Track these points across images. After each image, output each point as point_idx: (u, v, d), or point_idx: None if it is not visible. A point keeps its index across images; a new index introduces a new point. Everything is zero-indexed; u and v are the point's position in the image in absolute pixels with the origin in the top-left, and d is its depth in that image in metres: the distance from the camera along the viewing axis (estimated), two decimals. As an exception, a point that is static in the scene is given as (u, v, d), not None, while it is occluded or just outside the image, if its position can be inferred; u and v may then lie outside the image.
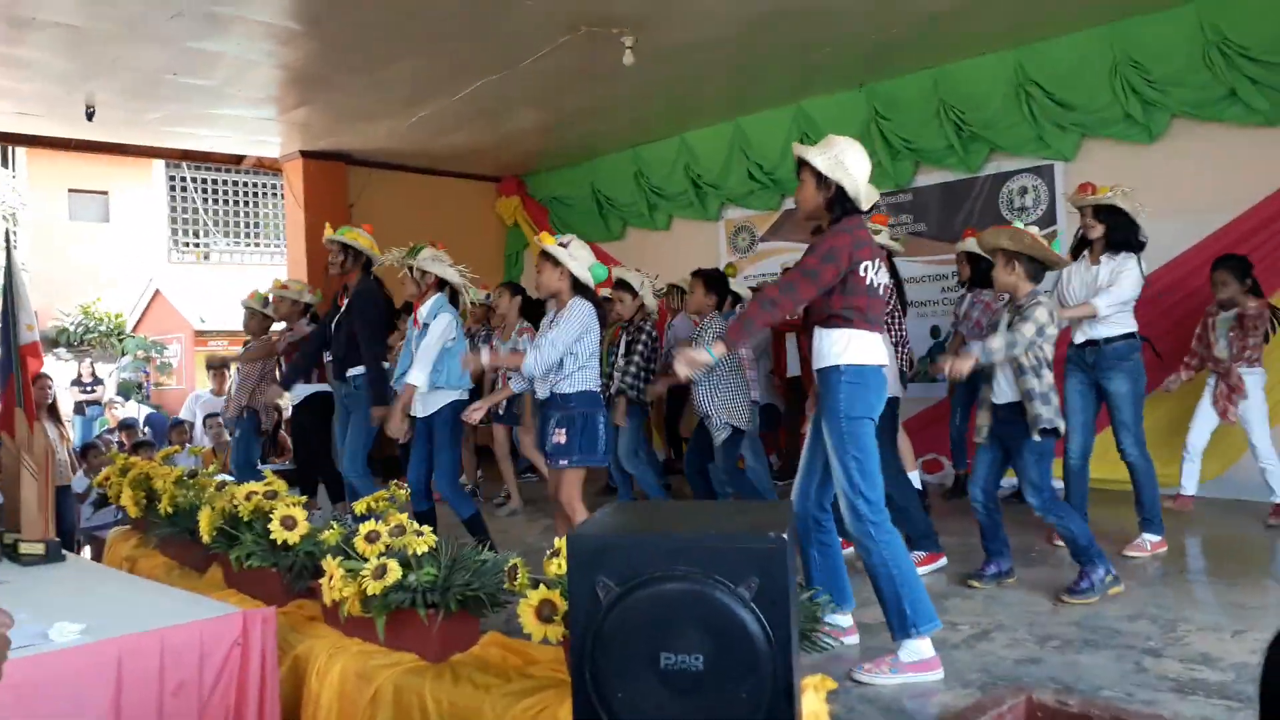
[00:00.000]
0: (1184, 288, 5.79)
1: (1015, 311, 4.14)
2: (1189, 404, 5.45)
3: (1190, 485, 5.40)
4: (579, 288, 4.33)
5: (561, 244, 4.32)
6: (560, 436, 4.24)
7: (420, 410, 5.02)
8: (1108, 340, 4.77)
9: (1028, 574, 4.51)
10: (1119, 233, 4.76)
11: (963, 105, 7.03)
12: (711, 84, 7.43)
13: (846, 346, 3.31)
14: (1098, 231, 4.81)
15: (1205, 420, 5.34)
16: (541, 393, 4.37)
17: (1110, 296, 4.68)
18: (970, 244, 5.96)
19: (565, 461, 4.25)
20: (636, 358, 6.06)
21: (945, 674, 3.25)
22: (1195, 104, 6.06)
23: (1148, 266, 5.85)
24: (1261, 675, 1.44)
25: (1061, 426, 4.09)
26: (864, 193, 3.34)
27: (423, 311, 5.05)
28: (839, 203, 3.34)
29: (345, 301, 5.52)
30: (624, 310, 6.18)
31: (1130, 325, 4.79)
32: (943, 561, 4.69)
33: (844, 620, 3.60)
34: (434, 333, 4.94)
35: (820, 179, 3.34)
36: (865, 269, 3.30)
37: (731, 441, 5.36)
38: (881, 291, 3.40)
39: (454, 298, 5.17)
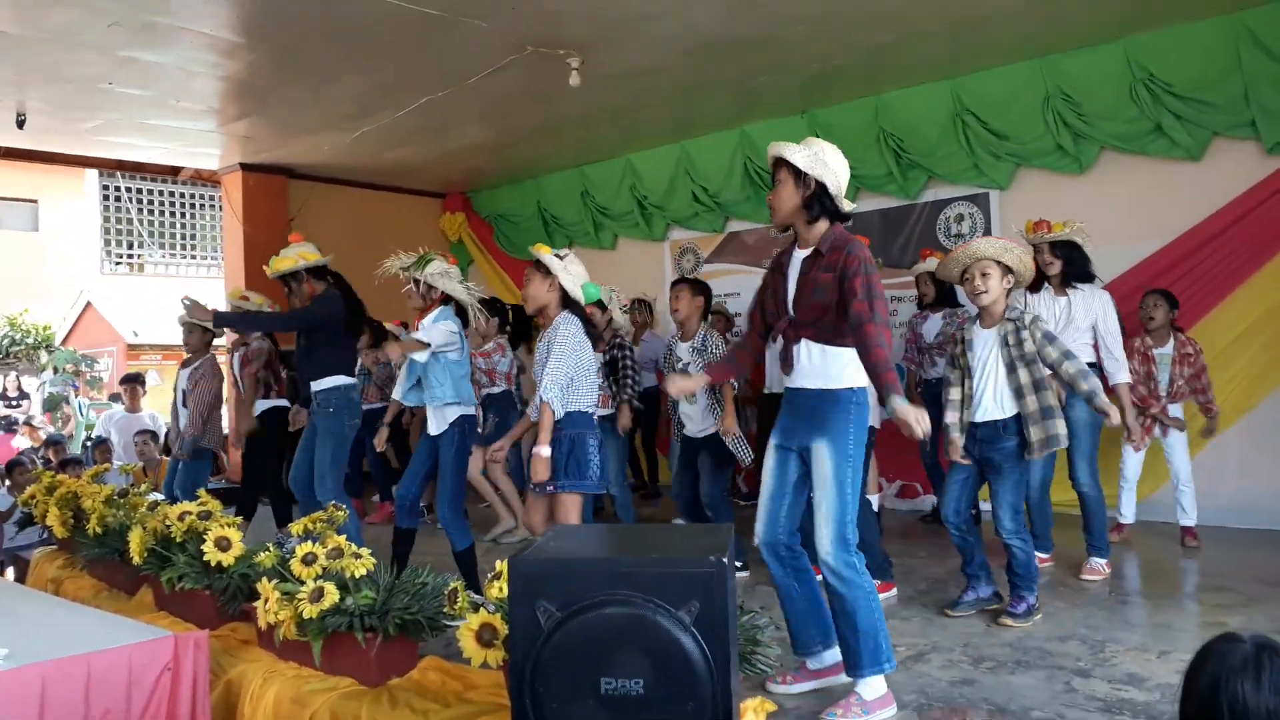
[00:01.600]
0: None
1: (1011, 325, 4.06)
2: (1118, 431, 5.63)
3: (1129, 513, 5.58)
4: (566, 303, 4.13)
5: (558, 255, 4.14)
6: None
7: (434, 428, 4.74)
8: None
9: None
10: (1075, 266, 4.91)
11: (902, 133, 7.18)
12: (657, 107, 7.49)
13: (854, 368, 3.16)
14: (1056, 267, 4.93)
15: (1176, 445, 5.51)
16: (533, 414, 4.11)
17: (1119, 357, 4.84)
18: (932, 264, 5.93)
19: (553, 487, 3.99)
20: (630, 372, 5.88)
21: (882, 695, 3.28)
22: (1123, 137, 6.27)
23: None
24: (1180, 700, 1.49)
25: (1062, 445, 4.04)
26: (844, 195, 3.21)
27: (424, 323, 4.73)
28: (819, 200, 3.17)
29: None
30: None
31: (1091, 355, 4.88)
32: (894, 591, 4.67)
33: (834, 655, 3.32)
34: (432, 332, 4.64)
35: (799, 176, 3.16)
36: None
37: (726, 464, 5.21)
38: None
39: (461, 315, 4.83)
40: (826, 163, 3.15)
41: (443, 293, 4.79)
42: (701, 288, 5.34)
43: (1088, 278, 4.93)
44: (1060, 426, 4.02)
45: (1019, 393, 4.05)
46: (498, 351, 6.52)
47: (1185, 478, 5.46)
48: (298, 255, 5.15)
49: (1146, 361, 5.48)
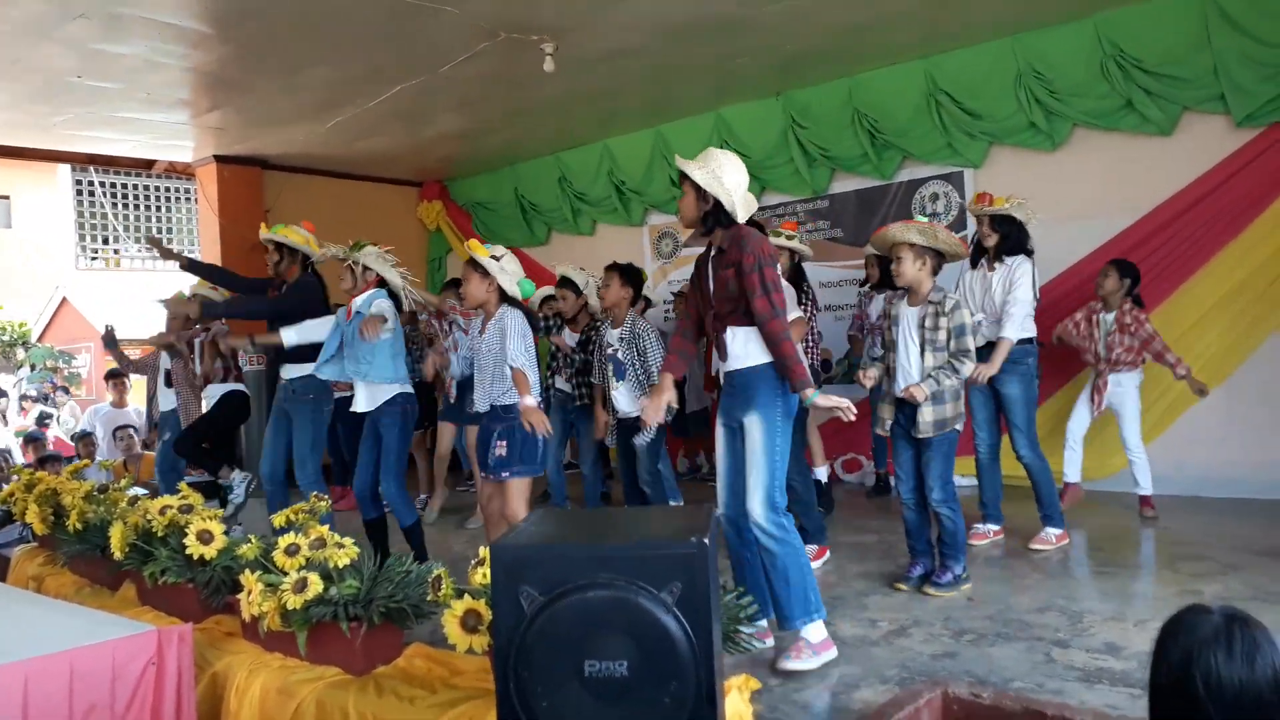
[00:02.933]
0: (1085, 291, 6.00)
1: (933, 308, 4.20)
2: (1074, 398, 5.74)
3: (1073, 473, 5.63)
4: (505, 299, 4.34)
5: (495, 256, 4.30)
6: (501, 449, 4.25)
7: (364, 404, 4.90)
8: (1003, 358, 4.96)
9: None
10: (1010, 240, 5.01)
11: (876, 114, 7.20)
12: (632, 91, 7.47)
13: (758, 346, 3.51)
14: (992, 240, 5.04)
15: (1084, 411, 5.62)
16: (481, 405, 4.36)
17: (1015, 315, 4.88)
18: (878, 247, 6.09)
19: (507, 474, 4.25)
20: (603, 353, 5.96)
21: (865, 670, 3.34)
22: (1095, 114, 6.31)
23: (1050, 269, 6.15)
24: (1151, 673, 1.51)
25: (959, 426, 4.25)
26: (740, 204, 3.51)
27: (358, 302, 4.92)
28: (714, 215, 3.52)
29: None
30: (566, 308, 6.10)
31: (1029, 330, 5.00)
32: (828, 555, 4.87)
33: (763, 624, 3.66)
34: (383, 308, 4.82)
35: (700, 192, 3.50)
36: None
37: (656, 443, 5.37)
38: None
39: (394, 299, 5.01)
40: (722, 181, 3.46)
41: (377, 276, 4.99)
42: (632, 275, 5.40)
43: (1020, 251, 5.00)
44: (951, 411, 4.20)
45: (922, 375, 4.20)
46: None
47: (1134, 446, 5.54)
48: (306, 237, 5.45)
49: (1090, 325, 5.59)
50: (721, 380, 3.68)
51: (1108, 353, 5.49)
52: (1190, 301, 6.00)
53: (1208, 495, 5.85)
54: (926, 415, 4.18)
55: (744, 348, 3.52)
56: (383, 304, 4.87)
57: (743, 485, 3.53)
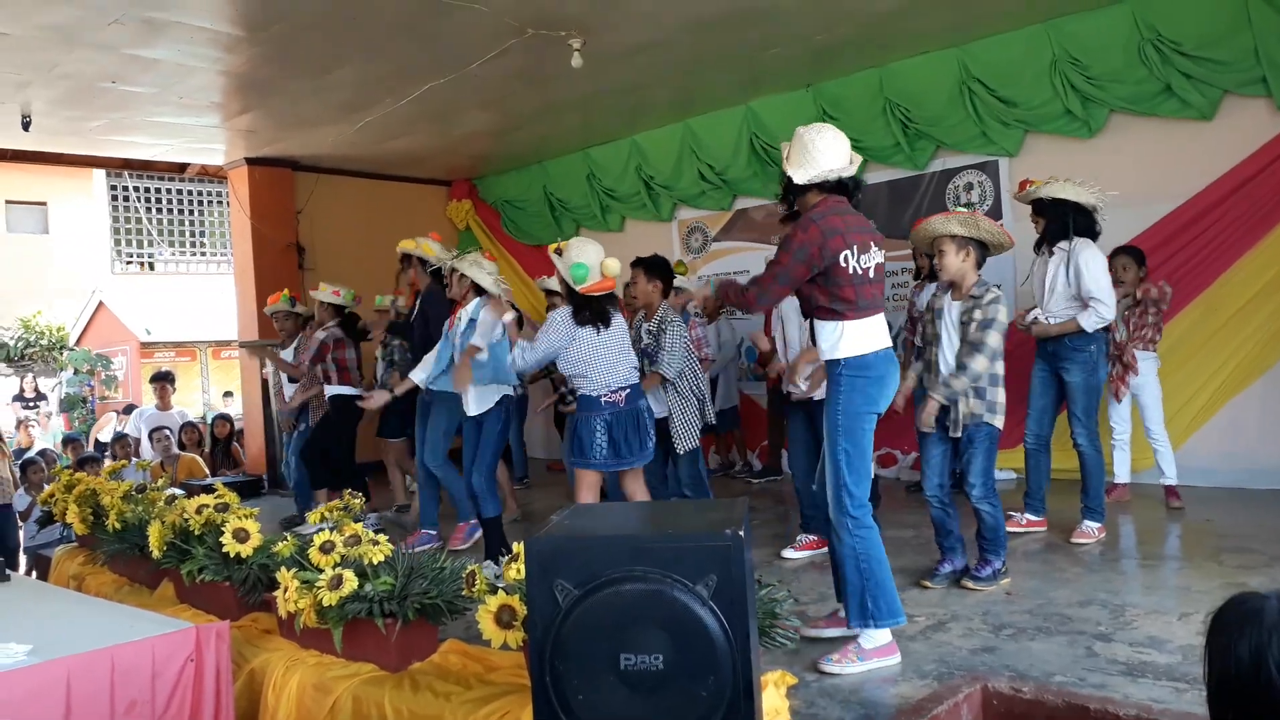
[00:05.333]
0: (1125, 279, 5.90)
1: (972, 303, 4.14)
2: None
3: (1121, 473, 5.55)
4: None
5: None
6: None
7: (474, 408, 5.29)
8: (1065, 332, 4.86)
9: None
10: (1055, 223, 4.86)
11: (908, 103, 7.12)
12: (660, 86, 7.44)
13: (840, 339, 3.35)
14: (1039, 227, 4.95)
15: (1119, 407, 5.54)
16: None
17: (1093, 307, 4.71)
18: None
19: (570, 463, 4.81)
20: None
21: (903, 665, 3.29)
22: (1132, 99, 6.19)
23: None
24: (1213, 669, 1.45)
25: (998, 423, 4.14)
26: (810, 176, 3.34)
27: (467, 309, 5.34)
28: (788, 194, 3.46)
29: (417, 305, 6.05)
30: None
31: (1090, 319, 4.83)
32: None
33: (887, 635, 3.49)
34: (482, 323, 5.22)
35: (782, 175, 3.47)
36: (845, 258, 3.29)
37: (694, 449, 5.29)
38: (874, 274, 3.39)
39: None
40: (789, 159, 3.41)
41: (472, 283, 5.34)
42: (656, 269, 5.35)
43: (1070, 233, 4.78)
44: (983, 408, 4.10)
45: (957, 368, 4.11)
46: None
47: (1157, 435, 5.47)
48: (436, 249, 6.05)
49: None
50: None
51: (1129, 330, 5.41)
52: (1232, 290, 5.87)
53: (1252, 486, 5.73)
54: (962, 408, 4.12)
55: (820, 341, 3.45)
56: (486, 316, 5.23)
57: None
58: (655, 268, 5.34)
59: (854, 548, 3.33)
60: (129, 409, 9.53)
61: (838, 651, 3.34)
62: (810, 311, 3.46)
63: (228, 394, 15.04)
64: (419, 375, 5.41)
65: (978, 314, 4.10)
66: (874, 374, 3.36)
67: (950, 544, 4.35)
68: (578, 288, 4.43)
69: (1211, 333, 5.91)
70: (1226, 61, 5.75)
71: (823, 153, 3.35)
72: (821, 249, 3.25)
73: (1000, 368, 4.13)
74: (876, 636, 3.33)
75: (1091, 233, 4.87)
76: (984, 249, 4.19)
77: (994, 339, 4.06)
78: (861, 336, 3.34)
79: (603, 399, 4.45)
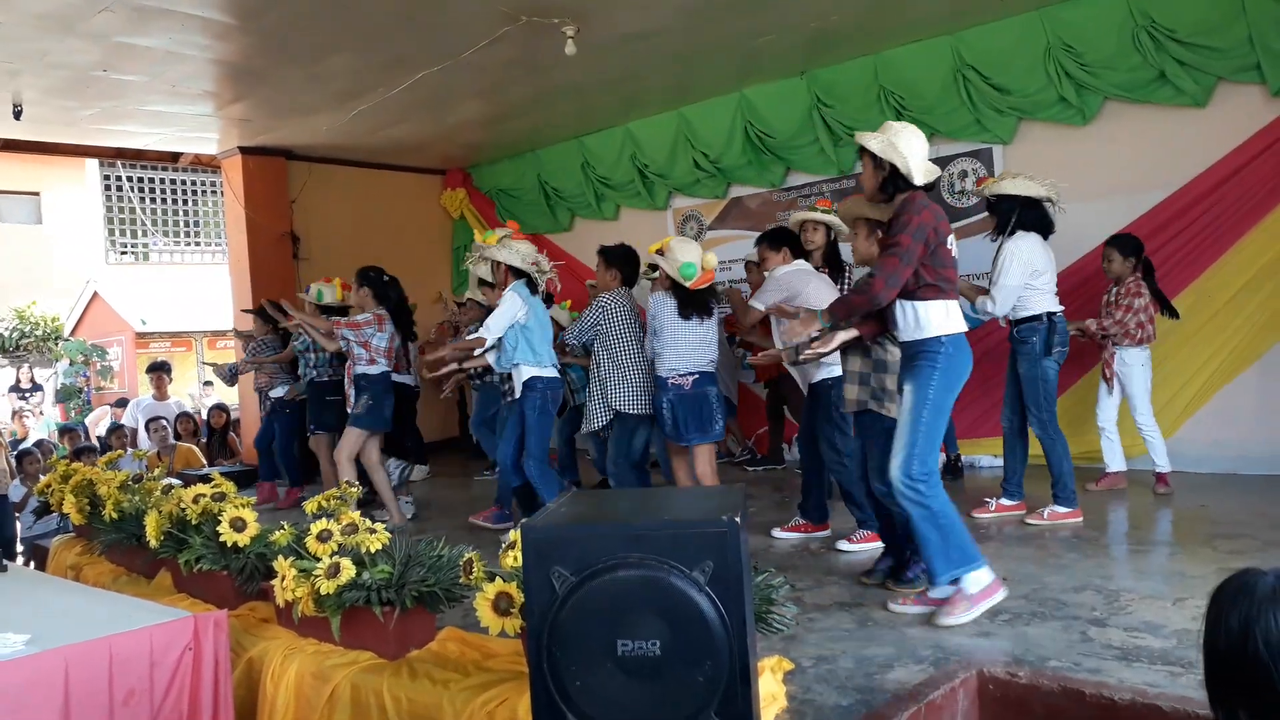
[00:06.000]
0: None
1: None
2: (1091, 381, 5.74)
3: (1113, 462, 5.58)
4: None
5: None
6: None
7: (517, 391, 5.50)
8: (1013, 323, 5.08)
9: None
10: (1001, 218, 5.04)
11: (902, 91, 7.11)
12: (654, 73, 7.42)
13: (946, 316, 3.56)
14: (992, 220, 5.10)
15: (1106, 397, 5.59)
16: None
17: (995, 290, 4.92)
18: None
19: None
20: None
21: (899, 651, 3.31)
22: (1127, 86, 6.19)
23: (1082, 245, 6.07)
24: (1206, 640, 1.47)
25: (892, 412, 3.92)
26: (918, 170, 3.57)
27: (510, 291, 5.56)
28: (892, 181, 3.60)
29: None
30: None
31: (1034, 308, 4.99)
32: (878, 543, 4.61)
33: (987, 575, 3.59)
34: (502, 309, 5.44)
35: (876, 161, 3.62)
36: (950, 241, 3.60)
37: (623, 430, 5.40)
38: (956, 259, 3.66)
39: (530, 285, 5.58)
40: (897, 147, 3.56)
41: (507, 266, 5.52)
42: (616, 260, 5.58)
43: (1012, 229, 4.96)
44: (867, 395, 4.02)
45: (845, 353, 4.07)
46: (372, 324, 6.23)
47: (1145, 424, 5.51)
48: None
49: (1102, 302, 5.63)
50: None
51: (1109, 318, 5.48)
52: (1226, 276, 5.88)
53: (1245, 473, 5.76)
54: (848, 395, 4.10)
55: (910, 320, 3.58)
56: (513, 298, 5.45)
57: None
58: (616, 258, 5.57)
59: (930, 507, 3.51)
60: (121, 402, 9.53)
61: (947, 606, 3.52)
62: (904, 293, 3.56)
63: (208, 384, 14.87)
64: (490, 354, 5.63)
65: None
66: (966, 352, 3.60)
67: (903, 542, 4.15)
68: (687, 284, 4.93)
69: (1204, 320, 5.92)
70: (1221, 48, 5.75)
71: (924, 154, 3.63)
72: (936, 230, 3.52)
73: (890, 354, 3.98)
74: (976, 579, 3.52)
75: (1042, 225, 5.02)
76: None
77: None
78: (957, 316, 3.60)
79: (670, 381, 4.99)
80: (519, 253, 5.49)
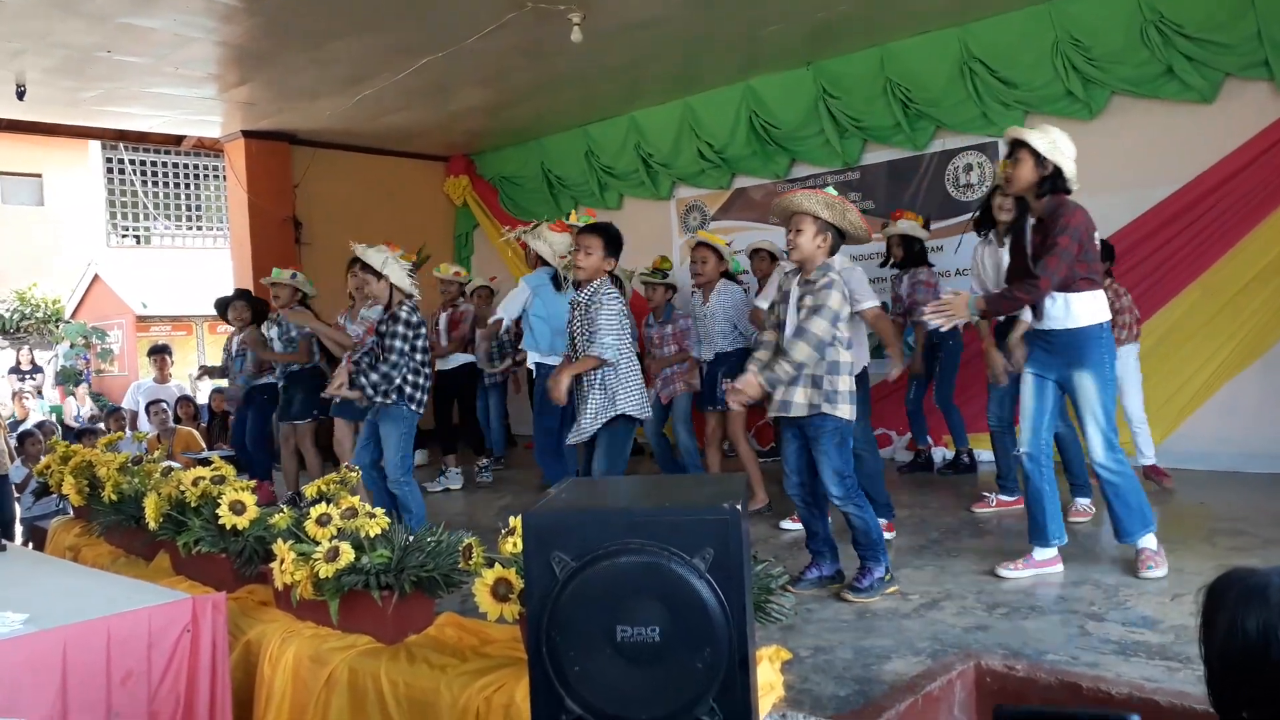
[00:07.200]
0: (1124, 262, 5.91)
1: (808, 287, 3.84)
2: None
3: (1149, 453, 5.57)
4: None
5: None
6: (727, 384, 4.57)
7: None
8: (999, 321, 4.99)
9: (976, 543, 4.61)
10: (982, 218, 5.05)
11: (908, 83, 7.08)
12: (660, 62, 7.40)
13: (1100, 305, 3.86)
14: (1007, 215, 4.86)
15: (1129, 387, 5.55)
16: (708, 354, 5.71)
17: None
18: (903, 226, 6.22)
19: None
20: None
21: (896, 643, 3.31)
22: (1134, 81, 6.17)
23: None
24: (1217, 646, 1.44)
25: (843, 413, 3.78)
26: (1073, 175, 3.82)
27: (528, 278, 5.91)
28: (1051, 181, 3.81)
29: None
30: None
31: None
32: (894, 533, 4.75)
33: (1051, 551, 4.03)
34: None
35: (1039, 159, 3.79)
36: (1095, 237, 3.86)
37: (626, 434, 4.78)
38: None
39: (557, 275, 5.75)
40: (1062, 150, 3.78)
41: (536, 254, 5.79)
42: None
43: (989, 226, 5.08)
44: (820, 398, 3.75)
45: (781, 353, 3.82)
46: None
47: (1136, 417, 5.57)
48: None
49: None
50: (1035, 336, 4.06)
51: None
52: (1231, 273, 5.87)
53: (1247, 470, 5.75)
54: (798, 398, 3.79)
55: (1078, 309, 3.82)
56: (521, 288, 5.80)
57: (1045, 426, 3.98)
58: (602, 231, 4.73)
59: (1129, 474, 3.91)
60: (114, 411, 9.48)
61: (1150, 558, 3.90)
62: (1061, 286, 3.78)
63: (199, 379, 14.63)
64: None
65: (808, 299, 3.80)
66: (1111, 336, 3.95)
67: (816, 547, 4.04)
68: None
69: (1209, 316, 5.91)
70: (1229, 44, 5.73)
71: (1074, 158, 3.84)
72: (1088, 229, 3.79)
73: (841, 354, 3.80)
74: (1149, 540, 3.94)
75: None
76: (841, 237, 3.90)
77: (821, 325, 3.72)
78: (1104, 304, 3.89)
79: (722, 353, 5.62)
80: (550, 244, 5.60)
